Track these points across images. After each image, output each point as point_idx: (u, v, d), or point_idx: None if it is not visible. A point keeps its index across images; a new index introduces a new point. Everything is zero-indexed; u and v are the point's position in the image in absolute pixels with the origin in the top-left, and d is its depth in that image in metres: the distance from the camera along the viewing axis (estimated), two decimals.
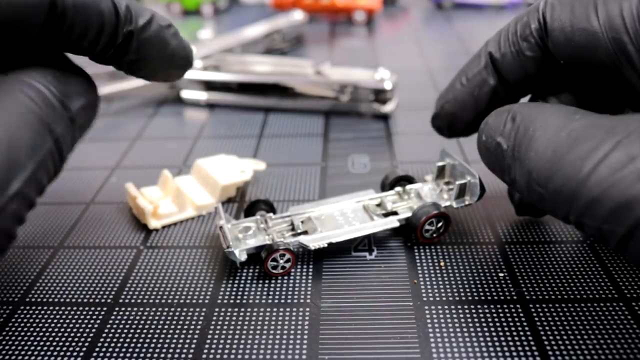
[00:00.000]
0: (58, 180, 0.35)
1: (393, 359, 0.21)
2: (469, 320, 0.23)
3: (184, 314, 0.24)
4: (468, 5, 0.75)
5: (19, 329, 0.23)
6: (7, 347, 0.22)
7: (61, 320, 0.24)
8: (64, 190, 0.34)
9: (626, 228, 0.16)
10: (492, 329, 0.22)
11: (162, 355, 0.22)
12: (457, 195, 0.28)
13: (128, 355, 0.22)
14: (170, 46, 0.23)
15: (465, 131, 0.28)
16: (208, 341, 0.22)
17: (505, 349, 0.21)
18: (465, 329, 0.22)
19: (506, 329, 0.22)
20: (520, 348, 0.21)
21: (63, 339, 0.23)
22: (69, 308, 0.24)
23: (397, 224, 0.27)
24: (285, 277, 0.26)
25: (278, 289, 0.25)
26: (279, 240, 0.26)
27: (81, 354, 0.22)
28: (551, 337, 0.22)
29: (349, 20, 0.70)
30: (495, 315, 0.23)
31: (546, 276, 0.25)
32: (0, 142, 0.17)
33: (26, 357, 0.22)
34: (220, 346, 0.22)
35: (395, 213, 0.28)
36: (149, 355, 0.22)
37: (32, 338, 0.23)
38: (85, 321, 0.24)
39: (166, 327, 0.23)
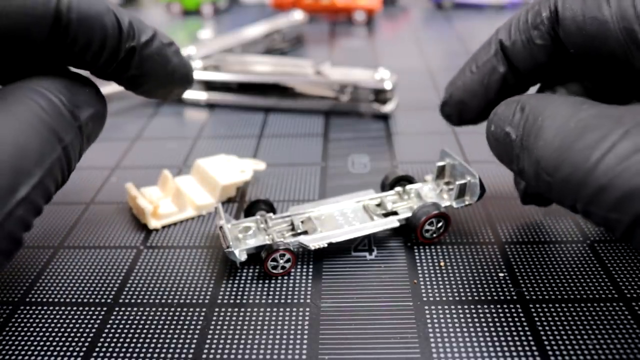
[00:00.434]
0: None
1: (393, 359, 0.21)
2: (469, 320, 0.23)
3: (184, 314, 0.24)
4: (468, 5, 0.75)
5: (19, 329, 0.23)
6: (7, 347, 0.22)
7: (61, 320, 0.24)
8: (64, 190, 0.34)
9: (632, 217, 0.16)
10: (492, 329, 0.22)
11: (162, 355, 0.22)
12: (457, 195, 0.28)
13: (128, 355, 0.22)
14: (172, 63, 0.23)
15: (475, 119, 0.28)
16: (208, 341, 0.22)
17: (505, 349, 0.21)
18: (465, 329, 0.22)
19: (506, 329, 0.22)
20: (520, 348, 0.21)
21: (63, 339, 0.23)
22: (69, 308, 0.24)
23: (397, 224, 0.27)
24: (285, 277, 0.26)
25: (278, 289, 0.25)
26: (279, 240, 0.26)
27: (81, 354, 0.22)
28: (551, 337, 0.22)
29: (349, 20, 0.70)
30: (495, 315, 0.23)
31: (546, 276, 0.25)
32: (9, 148, 0.17)
33: (26, 357, 0.22)
34: (220, 346, 0.22)
35: (395, 213, 0.28)
36: (149, 355, 0.22)
37: (32, 338, 0.23)
38: (85, 321, 0.24)
39: (166, 327, 0.23)
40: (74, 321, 0.24)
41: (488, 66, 0.25)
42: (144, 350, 0.22)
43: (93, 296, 0.25)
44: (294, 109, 0.44)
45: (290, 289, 0.25)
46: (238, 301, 0.24)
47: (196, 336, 0.23)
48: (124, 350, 0.22)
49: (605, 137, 0.17)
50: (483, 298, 0.24)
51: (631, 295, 0.24)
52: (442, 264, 0.26)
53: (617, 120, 0.17)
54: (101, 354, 0.22)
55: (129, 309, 0.24)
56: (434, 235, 0.27)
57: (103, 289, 0.26)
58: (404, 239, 0.28)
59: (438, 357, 0.21)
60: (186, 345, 0.22)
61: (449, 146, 0.37)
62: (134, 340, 0.23)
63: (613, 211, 0.17)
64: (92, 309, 0.24)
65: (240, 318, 0.23)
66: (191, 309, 0.24)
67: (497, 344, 0.22)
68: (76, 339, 0.23)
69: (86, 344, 0.22)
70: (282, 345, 0.22)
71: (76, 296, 0.25)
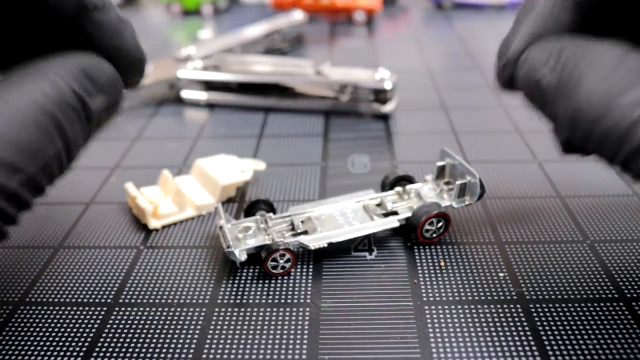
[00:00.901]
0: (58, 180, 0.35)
1: (393, 359, 0.21)
2: (469, 320, 0.23)
3: (184, 314, 0.24)
4: (468, 5, 0.75)
5: (19, 329, 0.23)
6: (7, 347, 0.22)
7: (61, 320, 0.24)
8: (64, 190, 0.34)
9: None
10: (492, 329, 0.22)
11: (162, 355, 0.22)
12: (457, 195, 0.28)
13: (128, 355, 0.22)
14: (126, 43, 0.21)
15: None
16: (208, 341, 0.22)
17: (505, 349, 0.21)
18: (465, 329, 0.22)
19: (506, 329, 0.22)
20: (520, 348, 0.21)
21: (63, 339, 0.23)
22: (69, 308, 0.24)
23: (397, 224, 0.27)
24: (285, 277, 0.26)
25: (278, 289, 0.25)
26: (279, 240, 0.26)
27: (81, 354, 0.22)
28: (551, 337, 0.22)
29: (349, 20, 0.70)
30: (495, 315, 0.23)
31: (546, 276, 0.25)
32: (2, 142, 0.16)
33: (26, 357, 0.22)
34: (220, 346, 0.22)
35: (395, 213, 0.28)
36: (149, 355, 0.22)
37: (32, 338, 0.23)
38: (85, 321, 0.24)
39: (166, 327, 0.23)
40: (74, 321, 0.24)
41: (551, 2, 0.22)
42: (144, 350, 0.22)
43: (93, 296, 0.25)
44: (294, 109, 0.44)
45: (290, 289, 0.25)
46: (238, 301, 0.24)
47: (196, 336, 0.23)
48: (124, 350, 0.22)
49: None
50: (483, 298, 0.24)
51: (631, 295, 0.24)
52: (442, 264, 0.26)
53: None
54: (101, 354, 0.22)
55: (129, 309, 0.24)
56: (434, 235, 0.27)
57: (103, 289, 0.26)
58: (404, 239, 0.28)
59: (438, 357, 0.21)
60: (186, 345, 0.22)
61: (449, 146, 0.37)
62: (134, 340, 0.23)
63: None
64: (92, 309, 0.24)
65: (240, 318, 0.23)
66: (191, 309, 0.24)
67: (497, 344, 0.22)
68: (76, 339, 0.23)
69: (86, 344, 0.22)
70: (282, 345, 0.22)
71: (76, 296, 0.25)
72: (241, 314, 0.24)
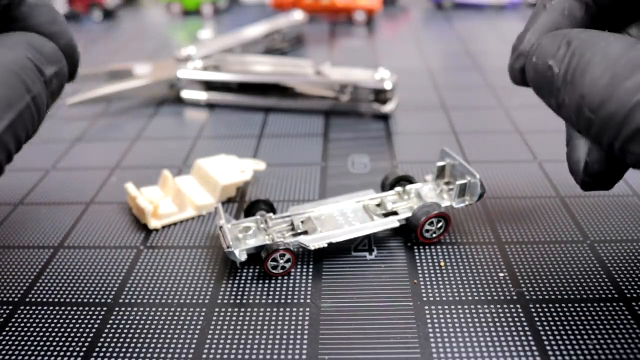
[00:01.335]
0: (58, 180, 0.35)
1: (393, 359, 0.21)
2: (469, 320, 0.23)
3: (184, 314, 0.24)
4: (468, 5, 0.75)
5: (19, 329, 0.23)
6: (7, 347, 0.22)
7: (61, 320, 0.24)
8: (64, 190, 0.34)
9: None
10: (492, 329, 0.22)
11: (162, 355, 0.22)
12: (457, 195, 0.28)
13: (128, 355, 0.22)
14: (59, 28, 0.24)
15: None
16: (208, 341, 0.22)
17: (505, 349, 0.21)
18: (465, 329, 0.22)
19: (506, 329, 0.22)
20: (520, 348, 0.21)
21: (63, 339, 0.23)
22: (69, 308, 0.24)
23: (397, 224, 0.27)
24: (285, 277, 0.26)
25: (278, 289, 0.25)
26: (279, 240, 0.26)
27: (81, 354, 0.22)
28: (551, 337, 0.22)
29: (349, 20, 0.70)
30: (495, 315, 0.23)
31: (546, 276, 0.25)
32: None
33: (26, 357, 0.22)
34: (220, 346, 0.22)
35: (395, 213, 0.28)
36: (149, 355, 0.22)
37: (32, 338, 0.23)
38: (85, 321, 0.24)
39: (166, 327, 0.23)
40: (74, 321, 0.24)
41: None
42: (144, 350, 0.22)
43: (93, 296, 0.25)
44: (294, 109, 0.44)
45: (290, 289, 0.25)
46: (238, 301, 0.24)
47: (196, 336, 0.23)
48: (124, 350, 0.22)
49: None
50: (483, 298, 0.24)
51: (631, 295, 0.24)
52: (442, 264, 0.26)
53: None
54: (101, 354, 0.22)
55: (129, 309, 0.24)
56: (434, 235, 0.27)
57: (103, 289, 0.26)
58: (404, 239, 0.28)
59: (438, 357, 0.21)
60: (186, 345, 0.22)
61: (449, 146, 0.37)
62: (134, 340, 0.23)
63: None
64: (92, 309, 0.24)
65: (240, 318, 0.23)
66: (191, 309, 0.24)
67: (497, 344, 0.22)
68: (76, 339, 0.23)
69: (86, 344, 0.22)
70: (282, 345, 0.22)
71: (76, 296, 0.25)
72: (241, 314, 0.24)
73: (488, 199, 0.31)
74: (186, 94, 0.46)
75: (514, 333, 0.22)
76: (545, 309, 0.23)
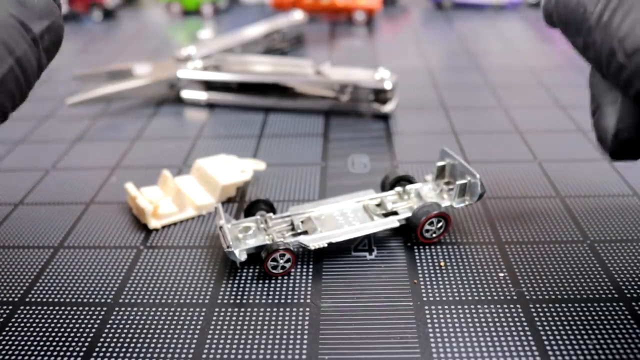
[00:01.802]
0: (58, 180, 0.35)
1: (393, 359, 0.21)
2: (469, 320, 0.23)
3: (184, 314, 0.24)
4: (468, 5, 0.75)
5: (19, 329, 0.23)
6: (7, 347, 0.22)
7: (61, 320, 0.24)
8: (64, 190, 0.34)
9: None
10: (492, 329, 0.22)
11: (162, 355, 0.22)
12: (457, 195, 0.28)
13: (128, 355, 0.22)
14: None
15: None
16: (208, 341, 0.22)
17: (505, 349, 0.21)
18: (465, 329, 0.22)
19: (506, 329, 0.22)
20: (520, 348, 0.21)
21: (63, 339, 0.23)
22: (69, 308, 0.24)
23: (397, 224, 0.27)
24: (285, 277, 0.26)
25: (278, 289, 0.25)
26: (279, 240, 0.26)
27: (81, 354, 0.22)
28: (551, 337, 0.22)
29: (349, 20, 0.70)
30: (495, 315, 0.23)
31: (546, 276, 0.25)
32: None
33: (26, 357, 0.22)
34: (220, 346, 0.22)
35: (395, 213, 0.28)
36: (149, 355, 0.22)
37: (32, 338, 0.23)
38: (85, 321, 0.24)
39: (166, 327, 0.23)
40: (74, 321, 0.24)
41: None
42: (144, 350, 0.22)
43: (93, 296, 0.25)
44: (294, 109, 0.44)
45: (290, 289, 0.25)
46: (238, 301, 0.24)
47: (196, 336, 0.23)
48: (124, 350, 0.22)
49: None
50: (483, 298, 0.24)
51: (631, 295, 0.24)
52: (442, 264, 0.26)
53: None
54: (101, 354, 0.22)
55: (129, 309, 0.24)
56: (434, 235, 0.27)
57: (103, 289, 0.26)
58: (404, 239, 0.28)
59: (438, 357, 0.21)
60: (186, 345, 0.22)
61: (449, 146, 0.37)
62: (134, 340, 0.23)
63: None
64: (92, 309, 0.24)
65: (240, 318, 0.23)
66: (191, 309, 0.24)
67: (497, 344, 0.22)
68: (76, 339, 0.23)
69: (86, 344, 0.22)
70: (282, 345, 0.22)
71: (76, 296, 0.25)
72: (241, 314, 0.24)
73: (488, 199, 0.31)
74: (186, 94, 0.46)
75: (514, 333, 0.22)
76: (545, 309, 0.23)
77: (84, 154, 0.39)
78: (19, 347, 0.22)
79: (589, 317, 0.23)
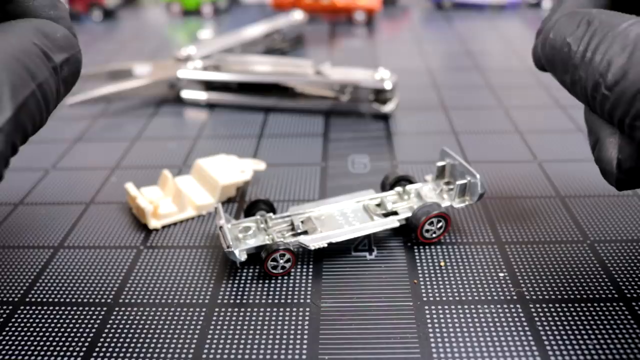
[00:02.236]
0: (58, 180, 0.35)
1: (393, 359, 0.21)
2: (469, 320, 0.23)
3: (184, 314, 0.24)
4: (468, 5, 0.75)
5: (19, 329, 0.23)
6: (7, 347, 0.22)
7: (61, 320, 0.24)
8: (64, 190, 0.34)
9: None
10: (492, 329, 0.22)
11: (162, 355, 0.22)
12: (457, 195, 0.28)
13: (128, 355, 0.22)
14: (58, 10, 0.23)
15: None
16: (208, 341, 0.22)
17: (505, 349, 0.21)
18: (465, 329, 0.22)
19: (506, 329, 0.22)
20: (520, 348, 0.21)
21: (63, 339, 0.23)
22: (69, 308, 0.24)
23: (397, 224, 0.27)
24: (285, 277, 0.26)
25: (278, 289, 0.25)
26: (279, 240, 0.26)
27: (81, 354, 0.22)
28: (551, 337, 0.22)
29: (349, 20, 0.70)
30: (495, 315, 0.23)
31: (546, 276, 0.25)
32: None
33: (26, 357, 0.22)
34: (220, 346, 0.22)
35: (395, 213, 0.28)
36: (149, 355, 0.22)
37: (32, 338, 0.23)
38: (85, 321, 0.24)
39: (166, 327, 0.23)
40: (74, 321, 0.24)
41: None
42: (144, 350, 0.22)
43: (93, 296, 0.25)
44: (294, 109, 0.44)
45: (290, 289, 0.25)
46: (238, 301, 0.24)
47: (196, 336, 0.23)
48: (124, 350, 0.22)
49: None
50: (483, 298, 0.24)
51: (631, 295, 0.24)
52: (442, 264, 0.26)
53: None
54: (101, 354, 0.22)
55: (129, 309, 0.24)
56: (434, 235, 0.27)
57: (103, 289, 0.26)
58: (404, 239, 0.28)
59: (438, 357, 0.21)
60: (186, 345, 0.22)
61: (449, 146, 0.37)
62: (134, 340, 0.23)
63: None
64: (92, 309, 0.24)
65: (240, 318, 0.23)
66: (191, 309, 0.24)
67: (497, 344, 0.22)
68: (76, 339, 0.23)
69: (86, 344, 0.22)
70: (282, 345, 0.22)
71: (76, 296, 0.25)
72: (241, 314, 0.24)
73: (488, 199, 0.31)
74: (186, 94, 0.46)
75: (514, 333, 0.22)
76: (545, 309, 0.23)
77: (84, 154, 0.39)
78: (19, 347, 0.22)
79: (589, 317, 0.23)
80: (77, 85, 0.51)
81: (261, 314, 0.24)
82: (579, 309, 0.23)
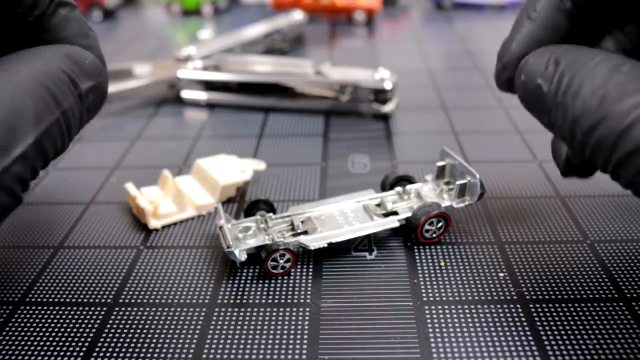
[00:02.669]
0: (58, 180, 0.35)
1: (393, 359, 0.21)
2: (469, 320, 0.23)
3: (184, 314, 0.24)
4: (468, 5, 0.75)
5: (19, 329, 0.23)
6: (7, 347, 0.22)
7: (61, 320, 0.24)
8: (64, 190, 0.34)
9: None
10: (492, 329, 0.22)
11: (162, 355, 0.22)
12: (457, 195, 0.28)
13: (128, 355, 0.22)
14: (89, 39, 0.23)
15: None
16: (208, 341, 0.22)
17: (505, 349, 0.21)
18: (465, 329, 0.22)
19: (506, 329, 0.22)
20: (520, 348, 0.21)
21: (63, 339, 0.23)
22: (69, 308, 0.24)
23: (397, 224, 0.27)
24: (285, 277, 0.26)
25: (278, 289, 0.25)
26: (279, 240, 0.26)
27: (81, 354, 0.22)
28: (551, 337, 0.22)
29: (349, 20, 0.70)
30: (495, 315, 0.23)
31: (546, 276, 0.25)
32: (4, 108, 0.18)
33: (26, 357, 0.22)
34: (220, 346, 0.22)
35: (395, 213, 0.28)
36: (149, 355, 0.22)
37: (32, 338, 0.23)
38: (85, 321, 0.24)
39: (166, 327, 0.23)
40: (74, 321, 0.24)
41: (551, 4, 0.23)
42: (144, 350, 0.22)
43: (93, 296, 0.25)
44: (294, 109, 0.44)
45: (290, 289, 0.25)
46: (238, 301, 0.24)
47: (196, 336, 0.23)
48: (124, 350, 0.22)
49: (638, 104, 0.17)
50: (483, 298, 0.24)
51: (631, 295, 0.24)
52: (442, 264, 0.26)
53: None
54: (101, 354, 0.22)
55: (129, 309, 0.24)
56: (434, 235, 0.27)
57: (103, 289, 0.26)
58: (404, 239, 0.28)
59: (438, 357, 0.21)
60: (186, 345, 0.22)
61: (449, 146, 0.37)
62: (134, 340, 0.23)
63: (639, 175, 0.17)
64: (92, 309, 0.24)
65: (240, 318, 0.23)
66: (191, 309, 0.24)
67: (497, 344, 0.22)
68: (76, 339, 0.23)
69: (86, 344, 0.22)
70: (282, 345, 0.22)
71: (76, 296, 0.25)
72: (241, 314, 0.24)
73: (488, 199, 0.31)
74: (186, 94, 0.46)
75: (514, 333, 0.22)
76: (545, 309, 0.23)
77: (84, 154, 0.39)
78: (19, 347, 0.22)
79: (589, 317, 0.23)
80: None
81: (261, 314, 0.24)
82: (579, 309, 0.23)
